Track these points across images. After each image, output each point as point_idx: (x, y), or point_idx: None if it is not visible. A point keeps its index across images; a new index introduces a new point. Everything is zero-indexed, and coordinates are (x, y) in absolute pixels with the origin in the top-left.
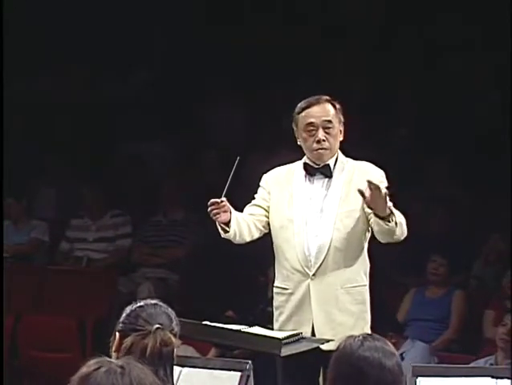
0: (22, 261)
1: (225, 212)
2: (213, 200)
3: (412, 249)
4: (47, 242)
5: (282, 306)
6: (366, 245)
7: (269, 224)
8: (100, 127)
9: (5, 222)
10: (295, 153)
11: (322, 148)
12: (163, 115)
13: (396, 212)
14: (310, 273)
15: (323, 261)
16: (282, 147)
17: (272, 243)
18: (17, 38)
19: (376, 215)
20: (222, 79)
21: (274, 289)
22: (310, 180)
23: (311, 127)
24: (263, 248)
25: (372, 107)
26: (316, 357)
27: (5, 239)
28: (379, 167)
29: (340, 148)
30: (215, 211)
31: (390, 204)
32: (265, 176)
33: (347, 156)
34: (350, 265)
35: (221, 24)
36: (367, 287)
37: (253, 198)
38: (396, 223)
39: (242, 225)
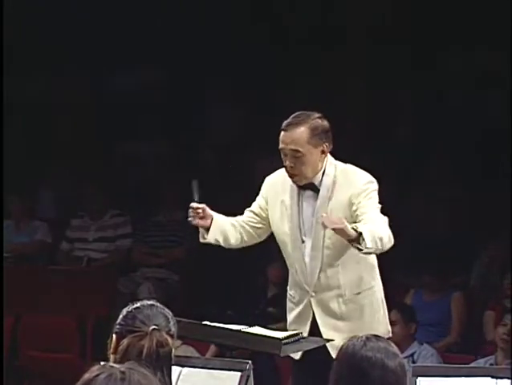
0: (23, 261)
1: (202, 218)
2: (191, 204)
3: (412, 249)
4: (50, 243)
5: (289, 311)
6: None
7: (264, 231)
8: (100, 126)
9: (6, 222)
10: None
11: (291, 174)
12: (163, 114)
13: (375, 225)
14: (310, 291)
15: (318, 278)
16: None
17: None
18: (16, 37)
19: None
20: (222, 78)
21: (288, 291)
22: (301, 195)
23: (282, 153)
24: (262, 247)
25: (372, 107)
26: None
27: (6, 239)
28: (378, 168)
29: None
30: (190, 215)
31: (361, 226)
32: (265, 180)
33: (338, 159)
34: (349, 275)
35: (221, 24)
36: (376, 287)
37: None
38: (366, 246)
39: (229, 233)
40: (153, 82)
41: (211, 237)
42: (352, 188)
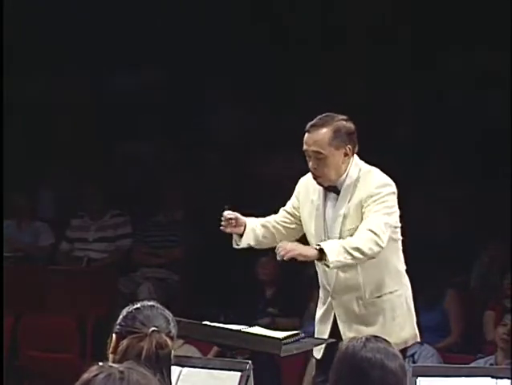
0: (23, 261)
1: (234, 226)
2: (224, 213)
3: (412, 248)
4: (53, 244)
5: (317, 311)
6: (390, 251)
7: (298, 231)
8: (100, 126)
9: (7, 222)
10: (295, 153)
11: (315, 176)
12: (163, 114)
13: (355, 236)
14: (331, 291)
15: (337, 279)
16: (283, 147)
17: None
18: (16, 37)
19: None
20: (222, 78)
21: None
22: (326, 196)
23: (306, 154)
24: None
25: (372, 107)
26: None
27: (8, 237)
28: (382, 169)
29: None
30: (223, 224)
31: (326, 247)
32: (300, 180)
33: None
34: (368, 277)
35: (221, 24)
36: (401, 292)
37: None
38: (330, 261)
39: (261, 236)
40: (153, 82)
41: (244, 243)
42: (366, 191)
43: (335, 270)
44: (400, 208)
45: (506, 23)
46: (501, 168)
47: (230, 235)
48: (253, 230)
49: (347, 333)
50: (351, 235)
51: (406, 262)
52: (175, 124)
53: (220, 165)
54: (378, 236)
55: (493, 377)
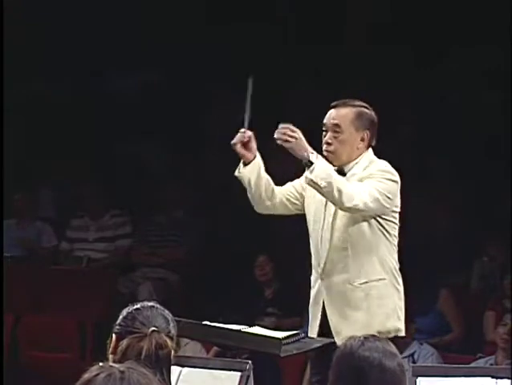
0: (23, 261)
1: (245, 146)
2: (242, 129)
3: (411, 248)
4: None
5: (310, 293)
6: (382, 239)
7: (297, 208)
8: (100, 126)
9: (9, 220)
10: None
11: (326, 151)
12: (163, 114)
13: (346, 181)
14: (320, 272)
15: (327, 260)
16: (282, 147)
17: None
18: (17, 37)
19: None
20: (222, 78)
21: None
22: None
23: (324, 128)
24: (256, 246)
25: (372, 107)
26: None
27: (9, 236)
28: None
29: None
30: (237, 137)
31: (318, 163)
32: None
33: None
34: (357, 261)
35: (221, 24)
36: (388, 280)
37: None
38: (313, 180)
39: (265, 183)
40: (154, 82)
41: (246, 173)
42: (367, 172)
43: (327, 251)
44: (400, 207)
45: (507, 23)
46: (502, 167)
47: (230, 236)
48: (259, 166)
49: (331, 316)
50: (346, 218)
51: (405, 262)
52: (175, 124)
53: (220, 165)
54: (361, 195)
55: (493, 377)
